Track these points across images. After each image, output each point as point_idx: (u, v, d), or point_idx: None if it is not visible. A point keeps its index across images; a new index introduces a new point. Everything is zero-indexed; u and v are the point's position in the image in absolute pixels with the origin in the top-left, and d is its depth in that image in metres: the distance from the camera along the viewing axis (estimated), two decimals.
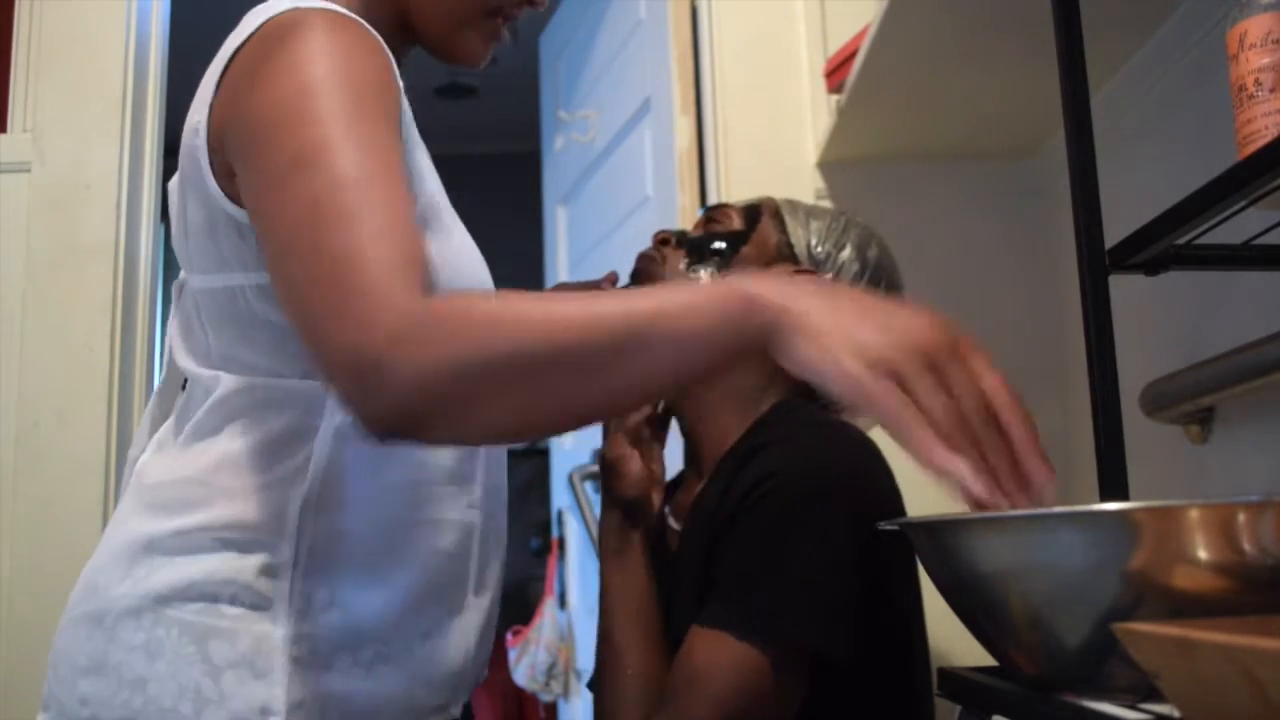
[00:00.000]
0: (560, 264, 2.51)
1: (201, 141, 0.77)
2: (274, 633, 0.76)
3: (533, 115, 2.71)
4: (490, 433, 0.69)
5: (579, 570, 2.30)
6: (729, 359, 0.66)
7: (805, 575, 0.87)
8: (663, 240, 1.12)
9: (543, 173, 2.64)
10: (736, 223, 1.11)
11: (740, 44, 1.75)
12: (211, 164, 0.77)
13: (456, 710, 0.85)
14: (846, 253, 1.09)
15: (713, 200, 1.70)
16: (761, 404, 1.06)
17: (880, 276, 1.10)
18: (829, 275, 1.08)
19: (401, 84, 0.79)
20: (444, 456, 0.83)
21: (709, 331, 0.64)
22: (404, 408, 0.62)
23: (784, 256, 1.10)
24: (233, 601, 0.76)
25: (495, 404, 0.64)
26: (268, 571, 0.77)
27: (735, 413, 1.06)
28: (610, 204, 2.16)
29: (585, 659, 2.18)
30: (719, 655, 0.87)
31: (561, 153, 2.49)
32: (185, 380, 0.87)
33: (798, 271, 1.08)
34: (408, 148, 0.79)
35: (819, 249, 1.09)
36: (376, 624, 0.79)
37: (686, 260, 1.10)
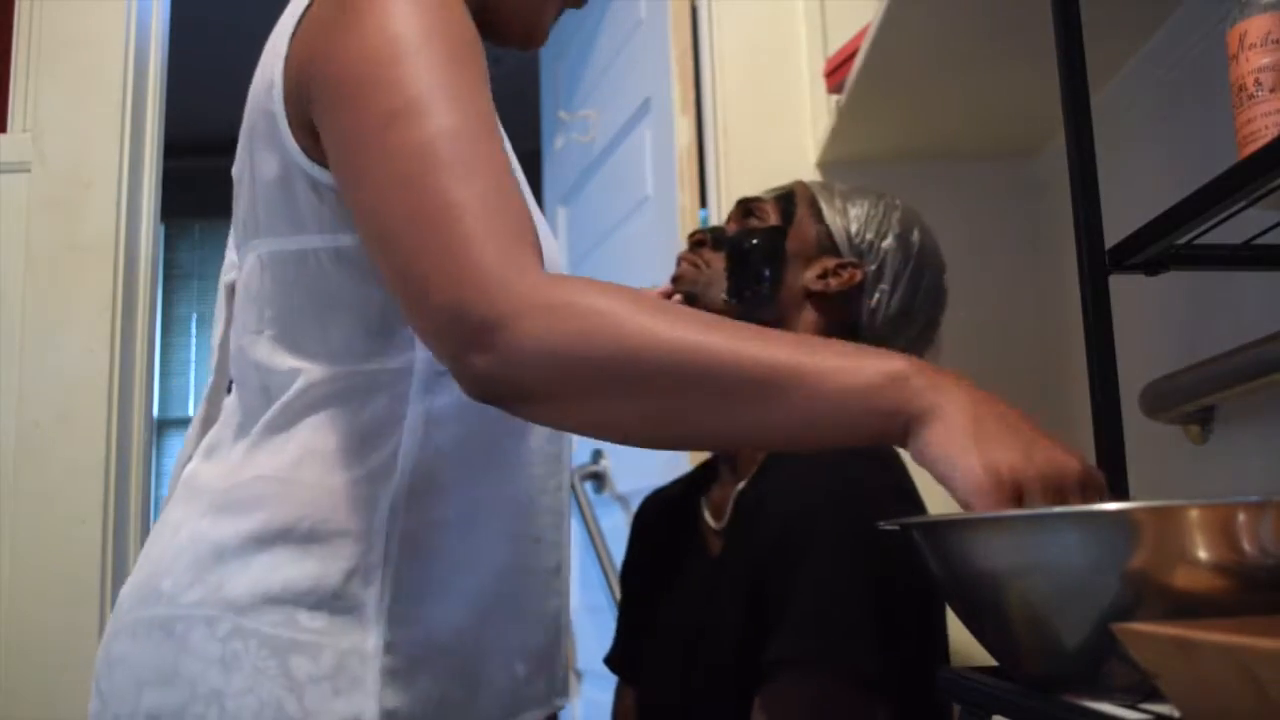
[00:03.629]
0: (560, 264, 2.50)
1: (278, 95, 0.74)
2: (361, 644, 0.72)
3: (533, 115, 2.71)
4: (594, 430, 0.69)
5: (579, 570, 2.29)
6: (853, 436, 0.63)
7: (866, 605, 0.89)
8: (698, 241, 1.09)
9: (543, 173, 2.64)
10: (773, 217, 1.08)
11: (740, 44, 1.75)
12: (289, 118, 0.74)
13: None
14: (889, 241, 1.06)
15: (712, 201, 1.70)
16: None
17: (925, 263, 1.07)
18: (872, 266, 1.05)
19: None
20: (538, 456, 0.82)
21: (843, 404, 0.61)
22: (513, 379, 0.63)
23: (825, 250, 1.06)
24: (315, 610, 0.72)
25: (603, 404, 0.64)
26: (354, 576, 0.73)
27: None
28: (610, 204, 2.16)
29: (585, 659, 2.18)
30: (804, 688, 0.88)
31: (561, 153, 2.49)
32: (231, 384, 0.84)
33: (840, 265, 1.05)
34: None
35: (860, 239, 1.06)
36: (455, 633, 0.76)
37: (727, 265, 1.06)
